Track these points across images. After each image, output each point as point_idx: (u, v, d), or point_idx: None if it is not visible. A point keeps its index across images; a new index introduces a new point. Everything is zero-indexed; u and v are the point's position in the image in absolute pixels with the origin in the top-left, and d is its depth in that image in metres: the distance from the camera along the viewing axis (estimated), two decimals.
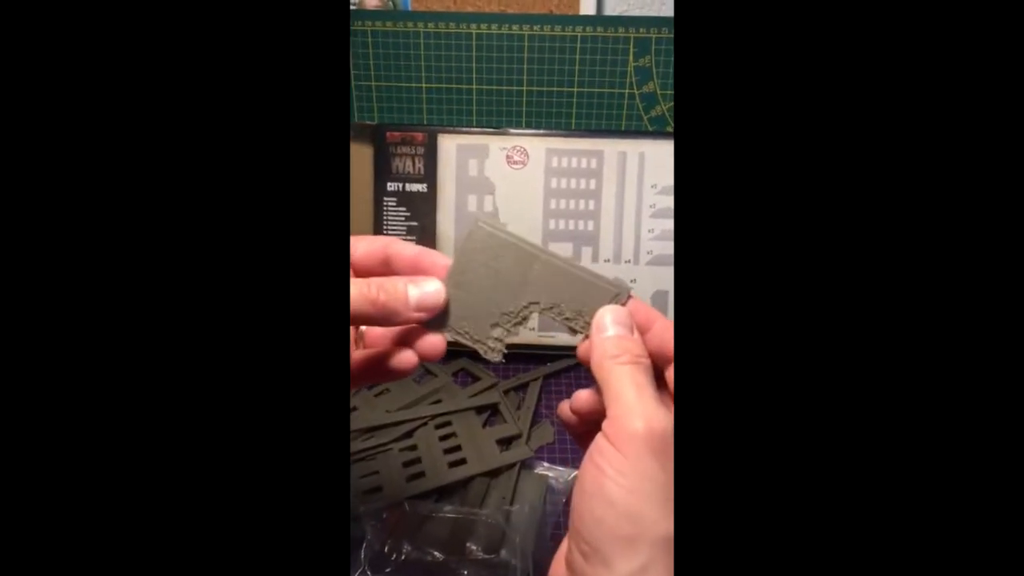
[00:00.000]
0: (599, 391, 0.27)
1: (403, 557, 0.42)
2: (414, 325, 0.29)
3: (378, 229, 0.61)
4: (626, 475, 0.24)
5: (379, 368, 0.29)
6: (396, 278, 0.28)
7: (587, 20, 0.61)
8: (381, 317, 0.28)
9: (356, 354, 0.30)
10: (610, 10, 0.63)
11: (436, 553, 0.42)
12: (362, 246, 0.31)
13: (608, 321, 0.28)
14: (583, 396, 0.29)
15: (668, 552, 0.23)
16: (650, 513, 0.23)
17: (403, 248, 0.30)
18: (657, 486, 0.23)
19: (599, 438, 0.25)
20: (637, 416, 0.24)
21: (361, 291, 0.27)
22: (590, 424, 0.29)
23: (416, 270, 0.30)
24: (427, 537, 0.43)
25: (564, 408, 0.31)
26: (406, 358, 0.29)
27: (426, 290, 0.28)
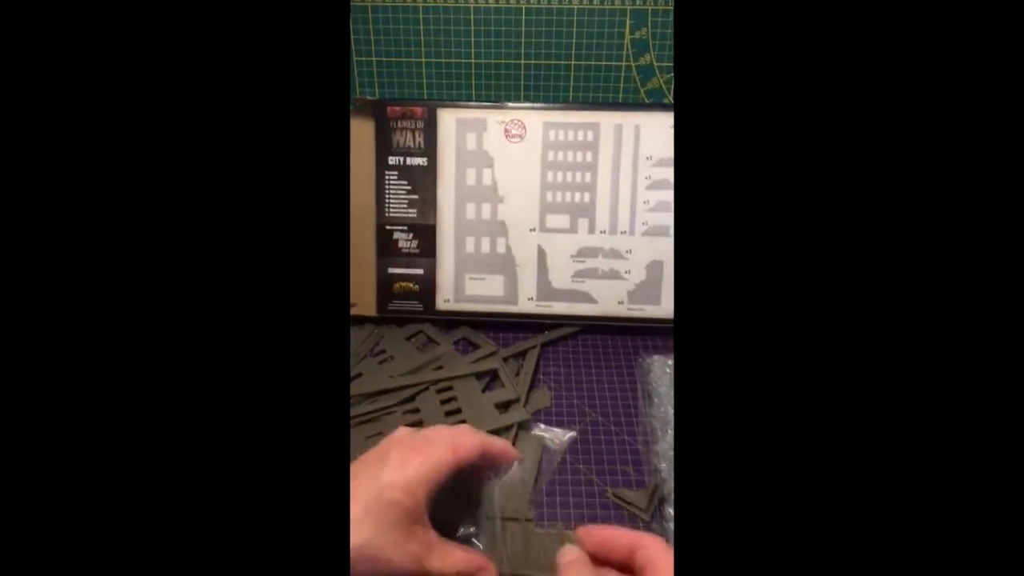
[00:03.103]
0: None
1: None
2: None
3: (380, 201, 0.63)
4: None
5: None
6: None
7: None
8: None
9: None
10: None
11: None
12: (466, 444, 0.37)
13: (565, 553, 0.35)
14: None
15: None
16: None
17: (493, 443, 0.38)
18: None
19: None
20: None
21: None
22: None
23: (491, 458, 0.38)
24: None
25: None
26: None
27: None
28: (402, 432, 0.39)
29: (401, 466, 0.35)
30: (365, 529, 0.32)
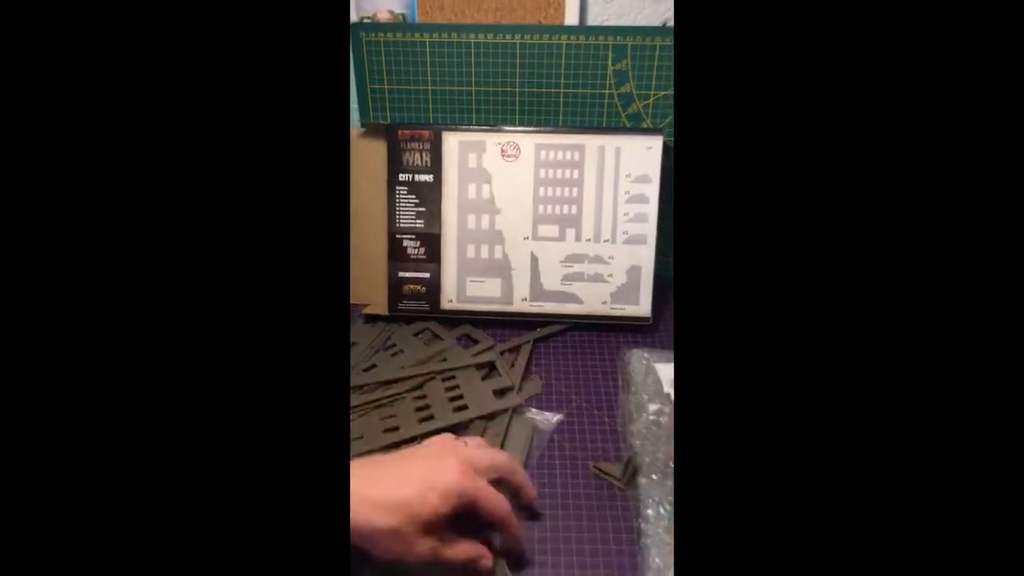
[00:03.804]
0: None
1: None
2: None
3: (391, 213, 0.68)
4: None
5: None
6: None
7: (571, 30, 0.67)
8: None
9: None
10: (591, 21, 0.69)
11: None
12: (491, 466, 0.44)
13: None
14: None
15: None
16: None
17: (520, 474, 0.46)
18: None
19: None
20: None
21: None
22: None
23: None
24: None
25: None
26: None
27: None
28: (450, 441, 0.45)
29: (443, 473, 0.40)
30: (399, 517, 0.38)
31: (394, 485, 0.39)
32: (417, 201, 0.68)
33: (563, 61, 0.68)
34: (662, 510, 0.48)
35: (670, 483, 0.50)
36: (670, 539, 0.46)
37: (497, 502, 0.42)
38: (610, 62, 0.68)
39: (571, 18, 0.68)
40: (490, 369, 0.63)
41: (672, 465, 0.52)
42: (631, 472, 0.52)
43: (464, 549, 0.41)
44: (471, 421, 0.57)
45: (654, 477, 0.51)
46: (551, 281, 0.68)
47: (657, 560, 0.45)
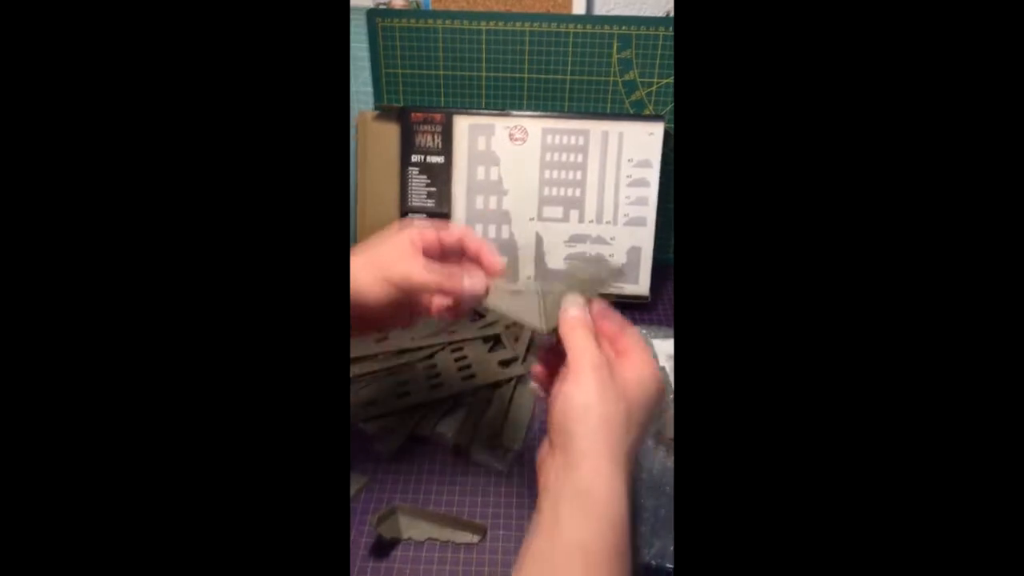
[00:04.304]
0: (561, 348, 0.38)
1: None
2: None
3: (404, 193, 0.71)
4: (580, 386, 0.35)
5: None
6: (458, 270, 0.42)
7: (578, 19, 0.69)
8: (441, 291, 0.42)
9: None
10: (598, 10, 0.71)
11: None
12: (445, 234, 0.44)
13: (571, 304, 0.40)
14: (541, 353, 0.42)
15: (611, 425, 0.34)
16: (596, 405, 0.34)
17: (472, 239, 0.44)
18: (600, 393, 0.35)
19: (565, 371, 0.36)
20: (587, 355, 0.36)
21: (436, 274, 0.41)
22: (552, 374, 0.40)
23: (476, 257, 0.43)
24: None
25: (536, 369, 0.43)
26: (473, 286, 0.42)
27: (476, 285, 0.42)
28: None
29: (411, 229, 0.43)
30: (380, 247, 0.42)
31: (359, 264, 0.42)
32: (428, 181, 0.71)
33: (570, 49, 0.70)
34: (654, 473, 0.52)
35: (663, 450, 0.54)
36: (659, 500, 0.50)
37: (456, 231, 0.44)
38: (615, 50, 0.70)
39: (578, 7, 0.71)
40: (496, 341, 0.66)
41: (666, 434, 0.55)
42: None
43: (434, 272, 0.42)
44: (478, 389, 0.60)
45: (649, 444, 0.55)
46: (555, 260, 0.71)
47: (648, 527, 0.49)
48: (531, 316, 0.42)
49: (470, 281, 0.42)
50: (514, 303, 0.43)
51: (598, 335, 0.38)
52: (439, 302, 0.43)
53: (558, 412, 0.35)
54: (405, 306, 0.44)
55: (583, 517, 0.32)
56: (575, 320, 0.38)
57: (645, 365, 0.37)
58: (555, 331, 0.40)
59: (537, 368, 0.42)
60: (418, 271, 0.42)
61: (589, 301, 0.40)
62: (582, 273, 0.42)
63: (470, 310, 0.43)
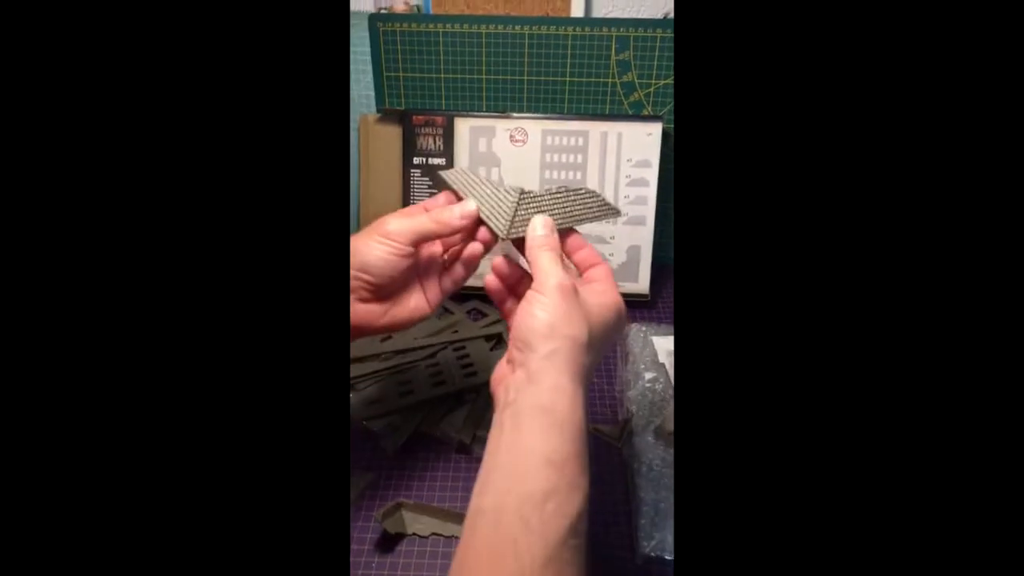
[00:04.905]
0: (517, 264, 0.40)
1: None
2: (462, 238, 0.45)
3: (406, 196, 0.72)
4: (545, 304, 0.36)
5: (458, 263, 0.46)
6: (447, 206, 0.44)
7: (577, 21, 0.70)
8: (441, 229, 0.43)
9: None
10: (596, 13, 0.72)
11: None
12: (431, 202, 0.47)
13: (538, 224, 0.41)
14: (499, 262, 0.43)
15: (573, 344, 0.35)
16: (560, 324, 0.36)
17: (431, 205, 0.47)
18: (566, 313, 0.36)
19: (529, 291, 0.37)
20: (553, 276, 0.37)
21: (430, 217, 0.43)
22: (508, 290, 0.43)
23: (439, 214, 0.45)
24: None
25: (490, 280, 0.44)
26: (474, 248, 0.45)
27: (466, 207, 0.43)
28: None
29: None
30: (367, 229, 0.44)
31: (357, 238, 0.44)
32: (430, 183, 0.72)
33: (569, 51, 0.71)
34: (654, 467, 0.53)
35: (662, 445, 0.55)
36: (659, 493, 0.51)
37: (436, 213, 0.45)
38: (613, 52, 0.71)
39: (577, 10, 0.71)
40: (498, 340, 0.67)
41: (667, 428, 0.56)
42: (627, 434, 0.57)
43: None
44: (480, 386, 0.61)
45: (649, 439, 0.56)
46: None
47: (647, 519, 0.49)
48: (497, 218, 0.43)
49: (459, 209, 0.44)
50: (489, 199, 0.44)
51: (570, 261, 0.40)
52: (445, 243, 0.46)
53: (523, 328, 0.36)
54: (413, 268, 0.45)
55: (546, 429, 0.33)
56: (542, 240, 0.40)
57: (608, 293, 0.39)
58: (515, 241, 0.41)
59: (490, 279, 0.44)
60: (409, 217, 0.44)
61: (570, 231, 0.42)
62: (571, 205, 0.43)
63: (492, 237, 0.45)
